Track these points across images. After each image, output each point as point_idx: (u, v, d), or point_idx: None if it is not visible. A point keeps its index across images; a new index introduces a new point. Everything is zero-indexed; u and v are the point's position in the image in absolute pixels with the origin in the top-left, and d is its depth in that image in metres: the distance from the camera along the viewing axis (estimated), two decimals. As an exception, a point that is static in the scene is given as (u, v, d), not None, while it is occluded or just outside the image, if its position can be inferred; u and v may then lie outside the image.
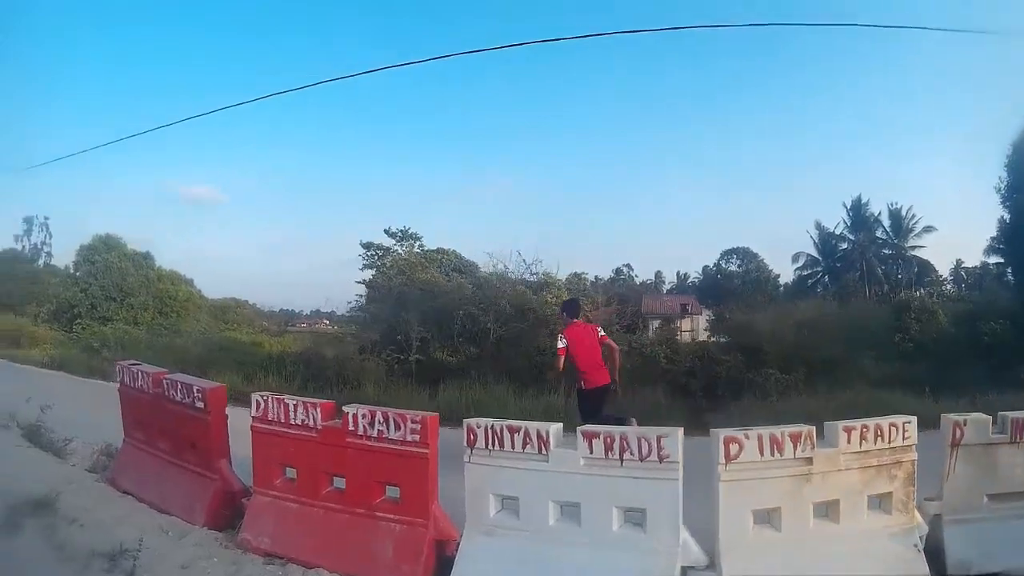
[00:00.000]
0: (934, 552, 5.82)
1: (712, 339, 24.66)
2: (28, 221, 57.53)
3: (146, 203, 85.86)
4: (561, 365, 10.34)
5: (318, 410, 6.37)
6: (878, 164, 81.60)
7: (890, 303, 32.00)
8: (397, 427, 5.92)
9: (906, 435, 5.77)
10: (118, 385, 8.73)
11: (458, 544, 5.81)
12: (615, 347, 10.60)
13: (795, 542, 5.42)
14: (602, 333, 10.61)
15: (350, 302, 27.88)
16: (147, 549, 5.74)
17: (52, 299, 37.22)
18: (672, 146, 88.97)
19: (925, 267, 57.07)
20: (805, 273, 62.26)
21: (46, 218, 57.99)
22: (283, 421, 6.52)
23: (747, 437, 5.37)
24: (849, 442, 5.60)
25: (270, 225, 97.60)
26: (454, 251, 29.06)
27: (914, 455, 5.79)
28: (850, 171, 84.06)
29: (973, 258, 52.05)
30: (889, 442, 5.71)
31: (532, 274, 23.39)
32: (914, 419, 5.87)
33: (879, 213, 59.73)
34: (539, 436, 5.63)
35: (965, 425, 6.04)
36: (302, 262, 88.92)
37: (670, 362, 18.84)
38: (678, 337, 24.81)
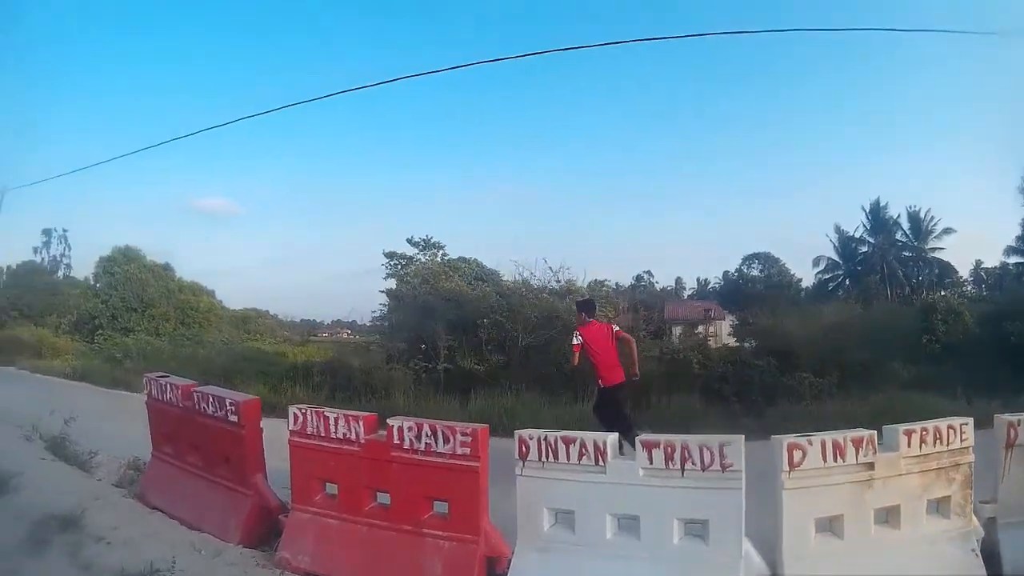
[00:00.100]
0: (988, 555, 5.69)
1: (738, 343, 24.41)
2: (47, 233, 57.79)
3: (162, 215, 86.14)
4: (576, 360, 10.65)
5: (361, 423, 6.08)
6: (896, 167, 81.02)
7: (913, 305, 31.72)
8: (446, 440, 5.65)
9: (963, 437, 5.67)
10: (145, 398, 8.41)
11: (510, 561, 5.57)
12: (631, 340, 11.03)
13: (857, 550, 5.28)
14: (616, 329, 10.98)
15: (374, 312, 27.98)
16: (179, 569, 5.55)
17: (73, 310, 37.50)
18: (689, 153, 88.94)
19: (946, 268, 57.03)
20: (826, 277, 62.22)
21: (64, 230, 58.25)
22: (323, 435, 6.23)
23: (810, 443, 5.21)
24: (909, 446, 5.47)
25: (287, 236, 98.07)
26: (476, 260, 28.68)
27: (971, 457, 5.70)
28: (868, 174, 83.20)
29: (992, 259, 52.07)
30: (947, 444, 5.60)
31: (556, 281, 23.02)
32: (971, 421, 5.79)
33: (898, 216, 59.85)
34: (596, 447, 5.38)
35: (1020, 425, 5.89)
36: (320, 272, 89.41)
37: (703, 367, 18.46)
38: (711, 343, 24.38)
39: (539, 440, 5.54)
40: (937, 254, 58.09)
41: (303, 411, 6.39)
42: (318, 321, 62.19)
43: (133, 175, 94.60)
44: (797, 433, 5.43)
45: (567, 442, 5.45)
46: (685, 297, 63.80)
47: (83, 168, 36.56)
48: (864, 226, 60.39)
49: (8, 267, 47.92)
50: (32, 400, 14.27)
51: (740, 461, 5.07)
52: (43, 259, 56.20)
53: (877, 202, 59.35)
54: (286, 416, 6.50)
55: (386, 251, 29.10)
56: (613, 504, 5.38)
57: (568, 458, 5.44)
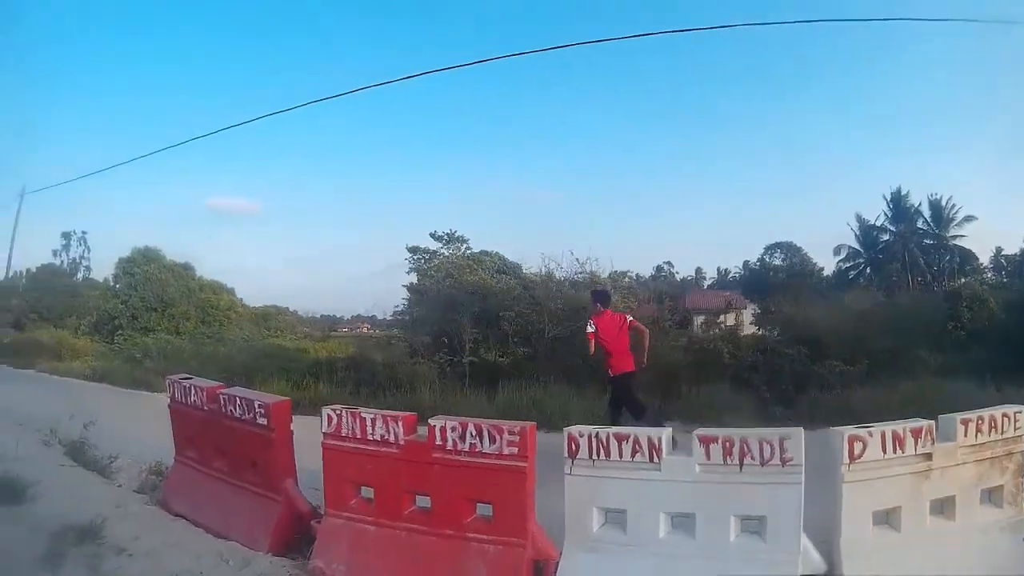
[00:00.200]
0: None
1: (760, 331, 24.12)
2: (66, 236, 57.82)
3: (182, 216, 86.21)
4: (592, 348, 10.75)
5: (400, 424, 5.74)
6: (916, 156, 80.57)
7: (934, 293, 31.49)
8: (492, 440, 5.35)
9: (1017, 426, 5.58)
10: (168, 401, 8.08)
11: (557, 564, 5.33)
12: (645, 330, 11.28)
13: (914, 542, 5.18)
14: (631, 319, 11.26)
15: (397, 306, 27.72)
16: (206, 580, 5.16)
17: (92, 311, 37.56)
18: (708, 144, 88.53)
19: (966, 256, 57.07)
20: (847, 266, 62.13)
21: (84, 233, 58.24)
22: (359, 437, 5.88)
23: (870, 435, 5.08)
24: (966, 435, 5.37)
25: (307, 234, 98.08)
26: (497, 253, 28.46)
27: (1023, 446, 5.61)
28: (888, 164, 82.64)
29: (1012, 246, 51.72)
30: (1002, 433, 5.51)
31: (578, 273, 22.86)
32: (1024, 409, 5.38)
33: (919, 204, 59.69)
34: (651, 444, 5.16)
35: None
36: (341, 269, 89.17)
37: (733, 357, 18.16)
38: (740, 332, 24.04)
39: (590, 437, 5.30)
40: (958, 242, 58.12)
41: (337, 412, 6.05)
42: (338, 317, 62.09)
43: (152, 176, 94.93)
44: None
45: (620, 439, 5.22)
46: (705, 287, 63.73)
47: (102, 170, 36.66)
48: (886, 215, 60.53)
49: (28, 270, 48.10)
50: (51, 403, 13.95)
51: (800, 455, 4.87)
52: (63, 262, 56.33)
53: (899, 191, 59.34)
54: (309, 414, 6.31)
55: (409, 246, 28.66)
56: (667, 502, 5.18)
57: (621, 456, 5.21)
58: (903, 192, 58.87)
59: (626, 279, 25.47)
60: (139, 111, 76.83)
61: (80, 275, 55.50)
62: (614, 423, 9.99)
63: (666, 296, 28.11)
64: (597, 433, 5.29)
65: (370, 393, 17.37)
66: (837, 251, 61.85)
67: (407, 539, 5.66)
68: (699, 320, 30.26)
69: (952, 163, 78.14)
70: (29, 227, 72.74)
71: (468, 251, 28.27)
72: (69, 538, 5.78)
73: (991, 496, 5.48)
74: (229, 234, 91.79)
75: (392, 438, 5.72)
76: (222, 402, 7.05)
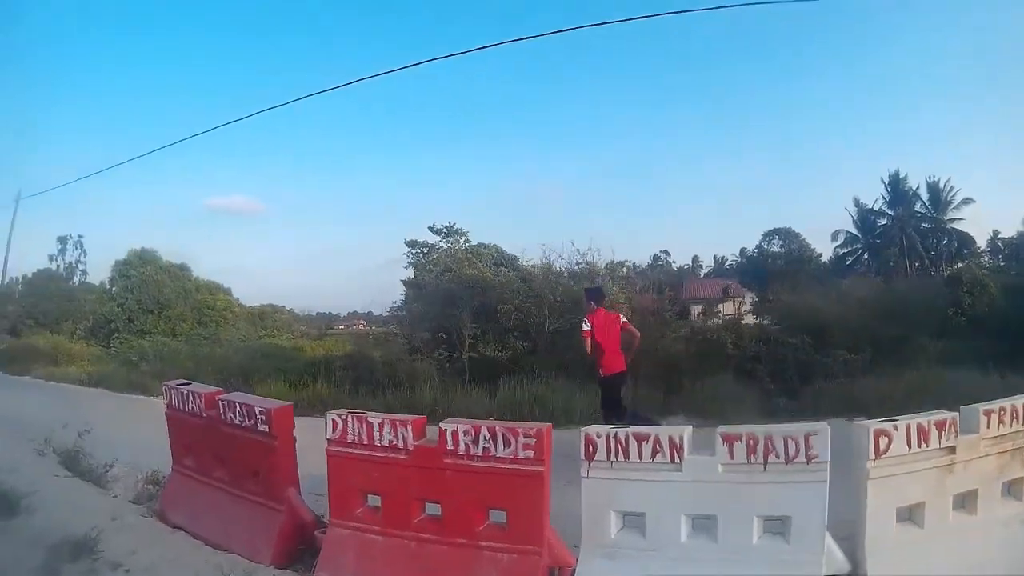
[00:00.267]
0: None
1: (758, 320, 24.03)
2: (62, 240, 57.51)
3: (179, 216, 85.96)
4: (589, 346, 10.57)
5: (409, 428, 5.47)
6: (912, 137, 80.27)
7: (932, 277, 31.43)
8: (507, 443, 5.12)
9: None
10: (165, 408, 7.77)
11: (574, 571, 5.16)
12: (636, 333, 11.21)
13: (937, 538, 5.05)
14: (624, 320, 11.13)
15: (395, 302, 27.78)
16: (207, 596, 4.92)
17: (89, 315, 37.56)
18: (703, 130, 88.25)
19: (964, 239, 57.02)
20: (845, 251, 62.04)
21: (80, 236, 57.93)
22: (366, 443, 5.63)
23: (896, 428, 4.92)
24: (988, 426, 5.22)
25: (305, 231, 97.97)
26: (495, 245, 28.42)
27: None
28: (884, 145, 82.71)
29: (1009, 229, 51.77)
30: (1023, 424, 5.34)
31: (577, 264, 22.74)
32: (1046, 397, 5.29)
33: (917, 187, 59.69)
34: (672, 443, 4.97)
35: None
36: (340, 266, 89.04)
37: (736, 347, 17.98)
38: (743, 321, 23.89)
39: (608, 438, 5.10)
40: (956, 225, 58.20)
41: (342, 417, 5.79)
42: (335, 314, 62.14)
43: (148, 177, 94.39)
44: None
45: (640, 439, 5.03)
46: (702, 275, 63.77)
47: (97, 172, 36.31)
48: (883, 198, 60.45)
49: (24, 276, 47.88)
50: (46, 410, 13.95)
51: (826, 452, 4.71)
52: (59, 266, 55.97)
53: (896, 174, 59.12)
54: (307, 415, 6.13)
55: (408, 240, 28.61)
56: (689, 504, 5.01)
57: (640, 456, 5.02)
58: (901, 175, 58.83)
59: (623, 269, 25.25)
60: (135, 111, 76.79)
61: (76, 279, 55.21)
62: (608, 409, 10.40)
63: (666, 286, 27.81)
64: (615, 433, 5.09)
65: (369, 392, 17.20)
66: (835, 236, 61.96)
67: (417, 549, 5.43)
68: (697, 309, 30.27)
69: (950, 146, 78.00)
70: (25, 232, 72.60)
71: (467, 244, 28.07)
72: (64, 553, 5.58)
73: (1011, 489, 5.43)
74: (225, 233, 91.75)
75: (401, 443, 5.48)
76: (221, 408, 6.76)
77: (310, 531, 6.17)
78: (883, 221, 60.35)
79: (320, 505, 6.31)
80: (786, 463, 4.73)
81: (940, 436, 4.99)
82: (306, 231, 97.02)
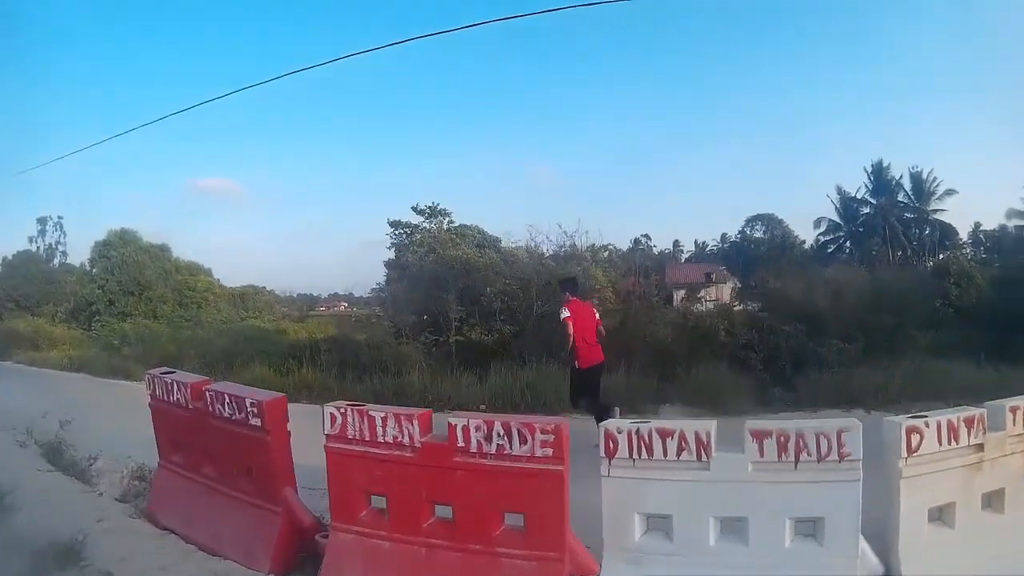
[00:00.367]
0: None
1: (741, 306, 23.94)
2: (42, 222, 56.89)
3: (161, 198, 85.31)
4: (571, 331, 10.29)
5: (415, 423, 5.10)
6: (897, 125, 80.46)
7: (914, 267, 31.41)
8: (523, 440, 4.77)
9: None
10: (148, 399, 7.26)
11: None
12: (602, 332, 10.91)
13: (968, 538, 4.94)
14: (598, 316, 11.07)
15: (378, 283, 27.65)
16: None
17: (69, 297, 37.13)
18: (682, 114, 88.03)
19: (947, 230, 57.24)
20: (827, 238, 62.18)
21: (60, 217, 57.34)
22: (368, 439, 5.25)
23: (927, 425, 4.77)
24: (1014, 423, 5.12)
25: (288, 212, 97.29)
26: (476, 226, 28.03)
27: None
28: (868, 132, 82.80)
29: (990, 221, 52.00)
30: None
31: (560, 247, 22.79)
32: (1068, 391, 5.15)
33: (900, 177, 60.13)
34: (698, 440, 4.73)
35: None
36: (317, 246, 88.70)
37: (728, 335, 17.66)
38: (735, 308, 23.69)
39: (630, 434, 4.83)
40: (939, 216, 58.46)
41: (341, 410, 5.39)
42: (315, 295, 61.83)
43: (128, 159, 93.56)
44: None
45: (664, 435, 4.77)
46: (683, 260, 63.80)
47: (76, 151, 35.64)
48: (866, 187, 60.85)
49: (4, 258, 47.37)
50: (28, 397, 13.89)
51: (859, 449, 4.56)
52: (39, 248, 55.37)
53: (880, 163, 59.62)
54: (293, 401, 5.96)
55: (391, 220, 28.00)
56: (717, 505, 4.80)
57: (665, 454, 4.77)
58: (884, 164, 59.14)
59: (606, 252, 25.07)
60: (115, 90, 75.66)
61: (57, 261, 54.72)
62: (600, 416, 9.56)
63: (652, 270, 27.84)
64: (638, 429, 4.82)
65: (356, 377, 16.83)
66: (817, 223, 62.08)
67: (427, 555, 5.11)
68: (680, 294, 30.16)
69: (933, 137, 78.08)
70: (4, 214, 71.94)
71: (451, 224, 27.71)
72: (49, 560, 5.34)
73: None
74: (205, 214, 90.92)
75: (406, 440, 5.13)
76: (209, 400, 6.28)
77: (310, 535, 5.78)
78: (866, 210, 60.75)
79: (314, 501, 6.03)
80: (818, 461, 4.56)
81: (969, 433, 4.87)
82: (285, 211, 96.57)
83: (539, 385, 14.50)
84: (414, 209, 27.69)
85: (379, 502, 5.40)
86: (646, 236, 61.82)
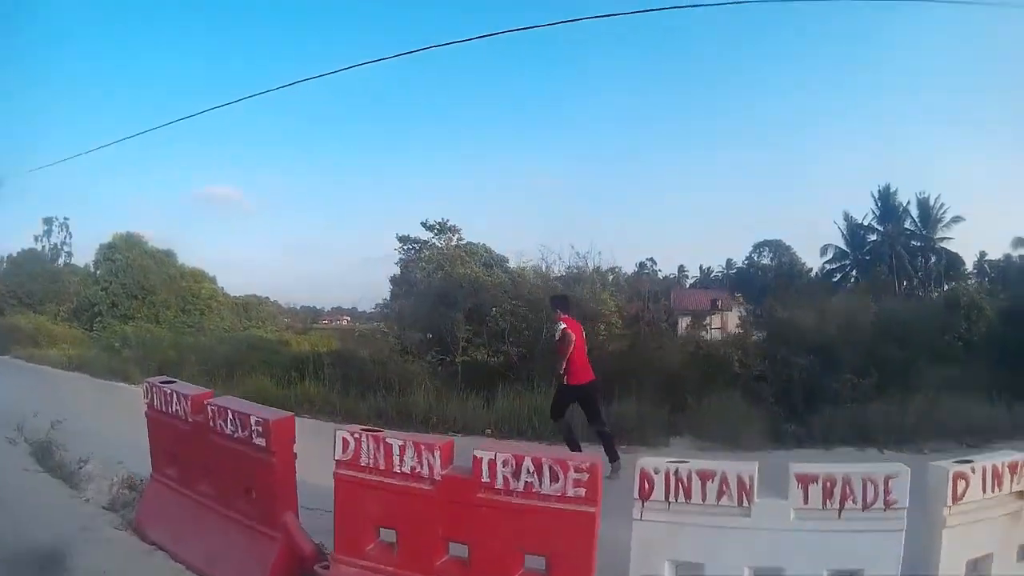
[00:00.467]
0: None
1: (751, 335, 23.54)
2: (48, 221, 56.75)
3: (166, 204, 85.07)
4: (574, 341, 10.33)
5: (436, 455, 4.72)
6: (905, 152, 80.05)
7: (928, 298, 31.09)
8: (554, 478, 4.43)
9: None
10: (145, 408, 6.88)
11: None
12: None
13: None
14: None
15: (384, 298, 27.49)
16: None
17: (72, 297, 37.17)
18: (689, 136, 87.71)
19: (953, 259, 56.55)
20: (833, 266, 61.69)
21: (66, 218, 57.26)
22: (383, 468, 4.87)
23: (973, 471, 4.54)
24: None
25: (294, 223, 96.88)
26: (483, 245, 27.69)
27: None
28: (876, 159, 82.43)
29: (995, 250, 51.69)
30: None
31: (567, 268, 22.45)
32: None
33: (907, 203, 59.29)
34: (740, 483, 4.42)
35: None
36: (322, 259, 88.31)
37: (742, 366, 17.34)
38: (751, 338, 23.37)
39: (667, 474, 4.51)
40: (945, 244, 57.79)
41: (355, 436, 5.00)
42: (319, 308, 61.68)
43: (136, 162, 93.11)
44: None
45: (704, 477, 4.46)
46: (687, 285, 63.55)
47: (84, 152, 35.50)
48: (873, 213, 59.99)
49: (9, 255, 47.39)
50: (23, 393, 13.61)
51: (905, 497, 4.30)
52: (44, 247, 55.22)
53: (887, 188, 58.71)
54: (296, 412, 5.49)
55: (399, 235, 27.86)
56: (755, 554, 4.45)
57: (704, 498, 4.45)
58: (892, 190, 58.40)
59: (610, 275, 24.73)
60: (124, 94, 75.03)
61: (61, 260, 54.69)
62: (601, 431, 10.46)
63: (661, 295, 27.81)
64: (677, 470, 4.50)
65: (359, 393, 16.50)
66: (823, 251, 61.39)
67: (440, 595, 4.70)
68: (685, 320, 29.85)
69: (939, 162, 77.72)
70: (10, 212, 71.76)
71: (460, 241, 27.45)
72: (25, 569, 5.15)
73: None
74: (211, 222, 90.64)
75: (426, 471, 4.75)
76: (210, 414, 5.91)
77: (309, 564, 5.35)
78: (872, 237, 60.01)
79: (311, 521, 5.69)
80: (863, 509, 4.28)
81: (1012, 480, 4.66)
82: (290, 223, 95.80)
83: (548, 410, 13.84)
84: (424, 225, 27.51)
85: (388, 535, 5.05)
86: (651, 260, 61.65)
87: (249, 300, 40.47)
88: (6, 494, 6.75)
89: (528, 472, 4.46)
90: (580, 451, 9.60)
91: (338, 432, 5.10)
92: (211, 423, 5.86)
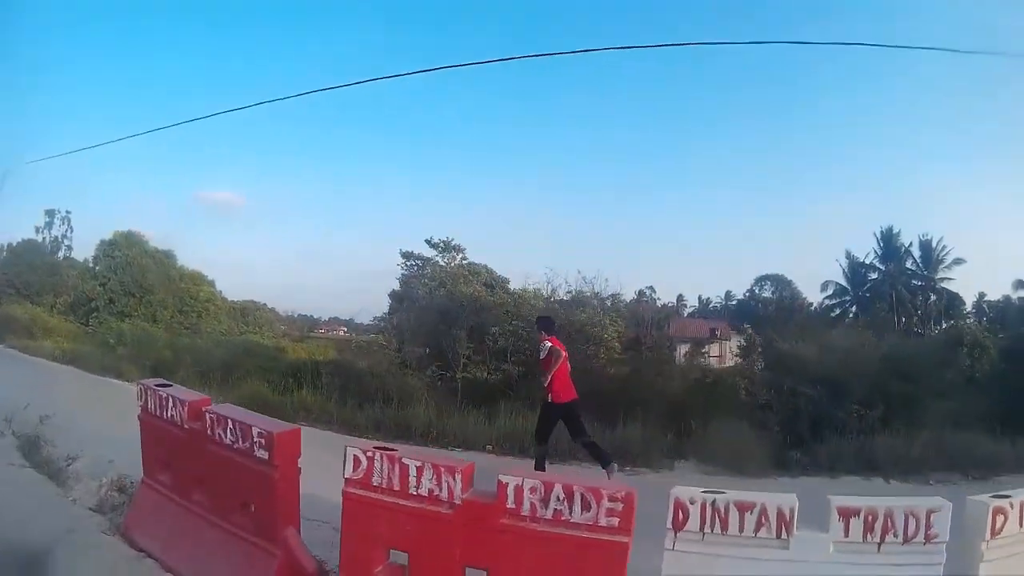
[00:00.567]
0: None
1: (750, 364, 23.44)
2: (50, 214, 56.79)
3: (167, 205, 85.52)
4: (563, 359, 10.67)
5: (458, 478, 4.43)
6: (910, 192, 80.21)
7: (920, 335, 31.15)
8: (585, 507, 4.18)
9: None
10: (139, 411, 6.54)
11: None
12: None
13: None
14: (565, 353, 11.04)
15: (385, 312, 27.34)
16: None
17: (70, 291, 37.13)
18: (692, 167, 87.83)
19: (953, 300, 56.68)
20: (833, 302, 61.75)
21: (68, 212, 57.28)
22: (397, 489, 4.56)
23: (1011, 506, 4.54)
24: None
25: (294, 232, 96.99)
26: (485, 265, 27.53)
27: None
28: (879, 198, 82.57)
29: (994, 291, 51.82)
30: None
31: (568, 292, 22.81)
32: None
33: (910, 244, 59.67)
34: (780, 516, 4.30)
35: None
36: (321, 270, 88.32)
37: (748, 394, 17.29)
38: (757, 367, 23.22)
39: (704, 505, 4.35)
40: (945, 284, 57.98)
41: (368, 454, 4.69)
42: (316, 317, 61.64)
43: (141, 161, 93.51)
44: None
45: (743, 509, 4.31)
46: (685, 315, 63.60)
47: (90, 147, 35.70)
48: (876, 252, 60.26)
49: (9, 244, 47.31)
50: (14, 384, 13.21)
51: (946, 532, 4.26)
52: (44, 239, 55.25)
53: (890, 229, 59.19)
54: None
55: (403, 251, 27.72)
56: None
57: (741, 530, 4.31)
58: (895, 231, 58.66)
59: (609, 301, 24.65)
60: (136, 93, 75.25)
61: (61, 254, 54.68)
62: (585, 442, 10.85)
63: (665, 322, 27.99)
64: (714, 500, 4.33)
65: (356, 404, 16.31)
66: (824, 287, 61.59)
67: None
68: (683, 348, 29.80)
69: (942, 204, 77.99)
70: (12, 202, 71.90)
71: (464, 261, 27.36)
72: (4, 570, 4.89)
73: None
74: (214, 225, 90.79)
75: (445, 495, 4.46)
76: (209, 422, 5.57)
77: (311, 584, 5.01)
78: (873, 275, 60.33)
79: (308, 533, 5.42)
80: (903, 543, 4.23)
81: None
82: (292, 232, 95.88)
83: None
84: (428, 242, 27.51)
85: (398, 557, 4.73)
86: (651, 288, 61.63)
87: (247, 305, 40.52)
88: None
89: (558, 499, 4.22)
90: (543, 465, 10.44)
91: (349, 449, 4.80)
92: (209, 431, 5.54)
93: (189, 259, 39.68)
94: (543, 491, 4.22)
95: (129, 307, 33.59)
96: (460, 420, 14.99)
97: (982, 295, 55.30)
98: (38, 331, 30.03)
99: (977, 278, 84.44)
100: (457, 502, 4.40)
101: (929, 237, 57.56)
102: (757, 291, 65.16)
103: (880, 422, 15.82)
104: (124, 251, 34.97)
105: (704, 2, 62.79)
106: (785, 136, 78.12)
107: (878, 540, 4.21)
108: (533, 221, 78.29)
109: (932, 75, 64.56)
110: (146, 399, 6.37)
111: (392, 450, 4.72)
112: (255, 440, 5.10)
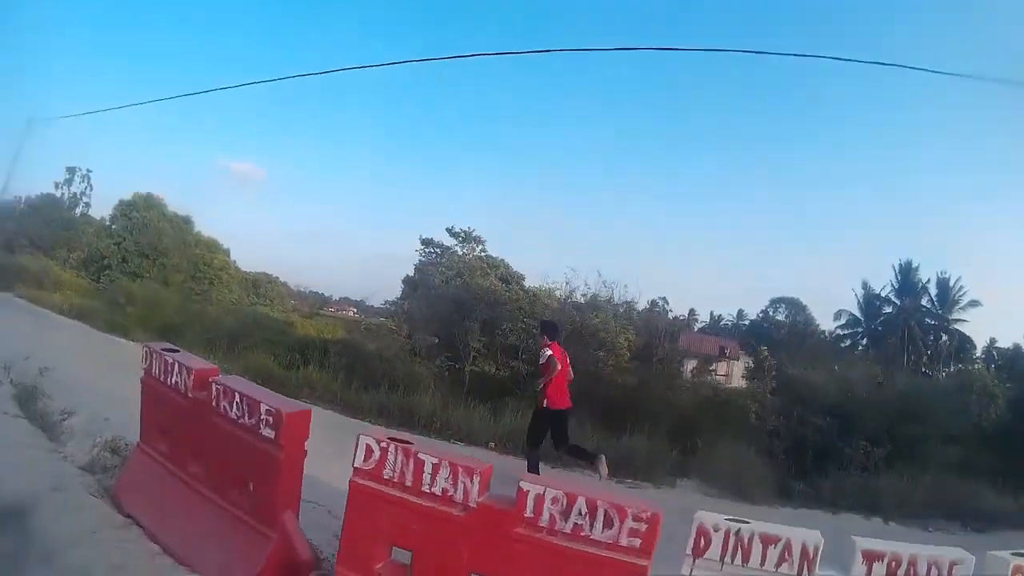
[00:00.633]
0: None
1: (769, 393, 23.26)
2: (71, 171, 56.91)
3: (189, 170, 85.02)
4: (559, 367, 10.39)
5: (475, 480, 4.23)
6: (931, 228, 79.72)
7: (929, 376, 30.99)
8: (608, 523, 4.01)
9: None
10: (142, 373, 6.30)
11: None
12: (571, 375, 11.03)
13: None
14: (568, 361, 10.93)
15: (398, 297, 27.10)
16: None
17: (84, 247, 37.11)
18: (717, 182, 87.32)
19: (965, 342, 55.84)
20: (845, 332, 61.29)
21: (88, 170, 57.42)
22: (409, 485, 4.38)
23: None
24: None
25: (305, 207, 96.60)
26: (503, 260, 27.44)
27: None
28: (898, 232, 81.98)
29: (1005, 338, 51.49)
30: None
31: (583, 296, 22.37)
32: None
33: (927, 281, 58.69)
34: (803, 553, 4.17)
35: None
36: (338, 249, 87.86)
37: (758, 418, 17.14)
38: (768, 390, 23.02)
39: (727, 534, 4.23)
40: (959, 326, 57.28)
41: (382, 444, 4.49)
42: (326, 295, 61.46)
43: (167, 128, 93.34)
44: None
45: (767, 541, 4.20)
46: (695, 330, 63.25)
47: (115, 108, 35.61)
48: (892, 286, 59.59)
49: (27, 197, 47.47)
50: (18, 333, 13.26)
51: None
52: (63, 195, 55.46)
53: (908, 264, 58.38)
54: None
55: (423, 238, 27.85)
56: None
57: (763, 563, 4.19)
58: (913, 266, 58.19)
59: (622, 308, 24.45)
60: (165, 60, 75.19)
61: (79, 211, 54.88)
62: (568, 449, 10.69)
63: (677, 335, 27.95)
64: (739, 530, 4.21)
65: (362, 386, 16.21)
66: (837, 316, 60.85)
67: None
68: (690, 363, 29.62)
69: (962, 244, 77.40)
70: (34, 156, 72.28)
71: (484, 253, 27.25)
72: None
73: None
74: (233, 195, 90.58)
75: (459, 496, 4.27)
76: (214, 393, 5.33)
77: (305, 572, 4.81)
78: (888, 309, 59.55)
79: (304, 515, 5.21)
80: None
81: None
82: (311, 208, 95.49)
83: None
84: (449, 231, 27.51)
85: (401, 555, 4.55)
86: (663, 299, 61.31)
87: (259, 277, 40.43)
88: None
89: (579, 514, 4.05)
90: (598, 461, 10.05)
91: (361, 437, 4.60)
92: (214, 403, 5.31)
93: (206, 226, 39.62)
94: (565, 503, 4.04)
95: (142, 268, 33.38)
96: (465, 413, 14.88)
97: (993, 340, 54.91)
98: (48, 283, 30.06)
99: (989, 323, 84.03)
100: (472, 505, 4.23)
101: (947, 275, 56.97)
102: (771, 313, 64.95)
103: (884, 461, 15.73)
104: (142, 212, 34.99)
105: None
106: (813, 158, 77.73)
107: (899, 586, 4.05)
108: (552, 220, 77.90)
109: (986, 104, 64.27)
110: (151, 362, 6.15)
111: (408, 443, 4.52)
112: (263, 417, 4.88)
